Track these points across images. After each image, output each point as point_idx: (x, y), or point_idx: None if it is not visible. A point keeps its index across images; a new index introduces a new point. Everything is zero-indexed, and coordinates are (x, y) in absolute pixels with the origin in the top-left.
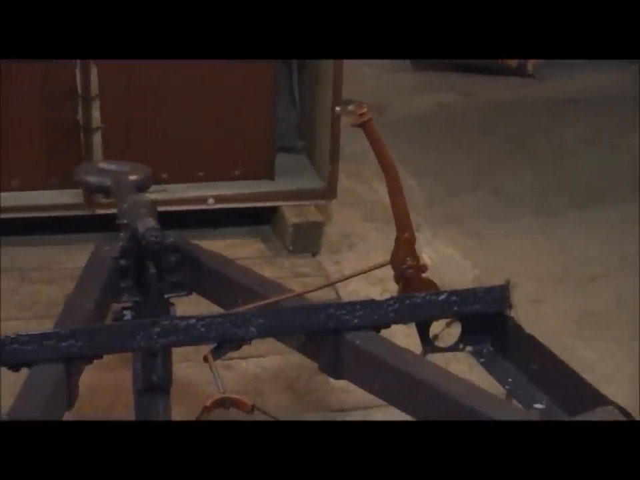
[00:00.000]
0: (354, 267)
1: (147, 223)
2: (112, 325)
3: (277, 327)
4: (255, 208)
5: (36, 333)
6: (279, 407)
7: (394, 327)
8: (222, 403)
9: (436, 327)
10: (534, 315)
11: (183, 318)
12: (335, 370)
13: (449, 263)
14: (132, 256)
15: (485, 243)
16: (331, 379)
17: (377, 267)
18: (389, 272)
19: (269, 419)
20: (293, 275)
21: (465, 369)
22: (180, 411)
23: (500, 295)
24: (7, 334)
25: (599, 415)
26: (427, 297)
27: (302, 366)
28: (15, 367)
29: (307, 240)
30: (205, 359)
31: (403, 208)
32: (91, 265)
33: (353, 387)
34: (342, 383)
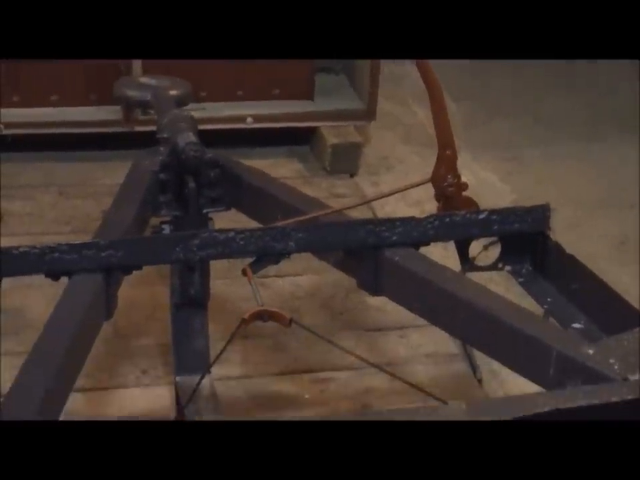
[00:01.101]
0: (392, 188)
1: (187, 137)
2: (151, 237)
3: (316, 242)
4: (293, 128)
5: (75, 242)
6: (314, 325)
7: (431, 249)
8: (260, 315)
9: (474, 250)
10: (572, 239)
11: (222, 231)
12: (373, 286)
13: (487, 186)
14: (171, 170)
15: (524, 168)
16: (367, 298)
17: (417, 185)
18: (427, 194)
19: (306, 332)
20: (330, 196)
21: (501, 291)
22: (217, 328)
23: (541, 215)
24: (46, 243)
25: (638, 334)
26: (467, 215)
27: (338, 284)
28: (55, 276)
29: (345, 161)
30: (244, 273)
31: (445, 125)
32: (131, 179)
33: (389, 306)
34: (378, 302)
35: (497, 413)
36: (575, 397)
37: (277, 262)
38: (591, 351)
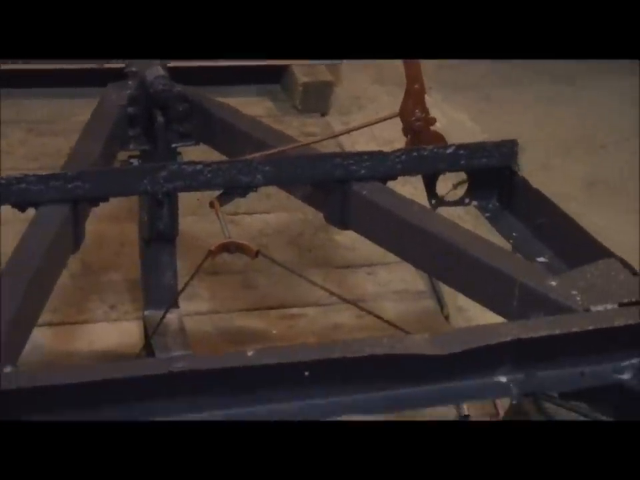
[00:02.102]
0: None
1: (156, 71)
2: (118, 168)
3: (283, 176)
4: (264, 66)
5: (42, 174)
6: (283, 261)
7: (401, 189)
8: (227, 247)
9: (443, 190)
10: (542, 180)
11: (189, 163)
12: (341, 220)
13: (458, 126)
14: (140, 104)
15: (496, 108)
16: (336, 236)
17: (385, 119)
18: (398, 133)
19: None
20: (301, 134)
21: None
22: (186, 264)
23: (508, 150)
24: (13, 174)
25: (601, 265)
26: (435, 150)
27: (306, 222)
28: (21, 207)
29: (316, 99)
30: (212, 205)
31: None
32: (98, 112)
33: (357, 244)
34: (346, 240)
35: (460, 343)
36: (537, 328)
37: (244, 195)
38: (553, 283)
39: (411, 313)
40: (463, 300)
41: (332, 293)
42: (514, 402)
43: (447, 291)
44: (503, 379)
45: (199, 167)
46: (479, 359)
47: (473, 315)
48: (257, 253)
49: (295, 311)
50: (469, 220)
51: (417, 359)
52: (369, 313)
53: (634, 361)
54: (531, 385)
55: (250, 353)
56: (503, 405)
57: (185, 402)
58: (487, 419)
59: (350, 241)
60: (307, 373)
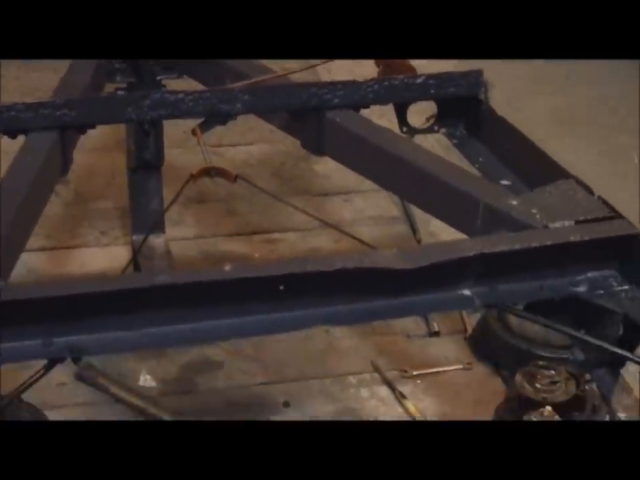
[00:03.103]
0: (341, 62)
1: None
2: (104, 96)
3: (261, 104)
4: None
5: (32, 102)
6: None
7: (375, 118)
8: (207, 171)
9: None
10: (508, 112)
11: (172, 92)
12: (316, 147)
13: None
14: None
15: None
16: (315, 166)
17: None
18: (374, 70)
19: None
20: (280, 70)
21: None
22: (172, 193)
23: (475, 80)
24: (3, 103)
25: (560, 186)
26: (405, 80)
27: (288, 154)
28: (11, 134)
29: None
30: (193, 132)
31: None
32: None
33: (334, 173)
34: (324, 169)
35: (426, 258)
36: (499, 243)
37: (224, 123)
38: (515, 203)
39: (385, 237)
40: (434, 225)
41: (313, 217)
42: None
43: (419, 217)
44: (467, 292)
45: (180, 95)
46: (445, 272)
47: (444, 239)
48: (236, 177)
49: (276, 235)
50: (440, 151)
51: (386, 272)
52: (348, 235)
53: (589, 274)
54: (493, 298)
55: (227, 268)
56: (470, 322)
57: (166, 314)
58: (456, 335)
59: (328, 170)
60: (282, 287)
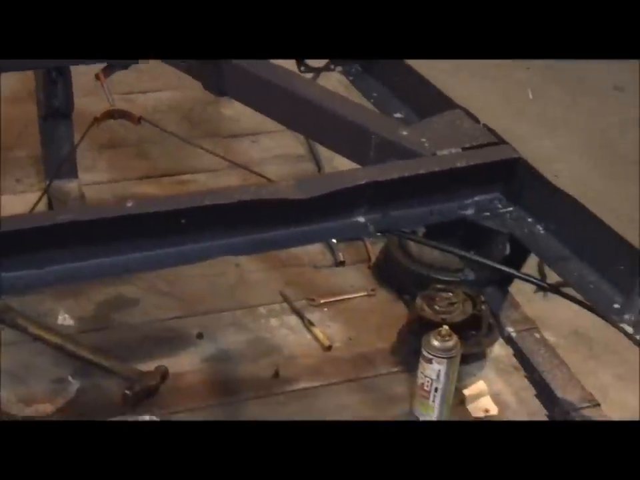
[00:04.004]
0: None
1: None
2: None
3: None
4: None
5: None
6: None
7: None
8: (111, 114)
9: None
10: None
11: None
12: (217, 88)
13: None
14: None
15: None
16: (223, 110)
17: None
18: None
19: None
20: None
21: None
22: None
23: None
24: None
25: (447, 116)
26: None
27: (197, 99)
28: None
29: None
30: (97, 77)
31: None
32: None
33: (242, 116)
34: (232, 112)
35: (321, 187)
36: (390, 171)
37: (126, 67)
38: (405, 133)
39: (291, 175)
40: (338, 162)
41: (221, 158)
42: (371, 239)
43: (324, 154)
44: (361, 219)
45: None
46: (339, 201)
47: None
48: (139, 119)
49: (186, 177)
50: (342, 90)
51: (283, 203)
52: (256, 173)
53: (476, 198)
54: (386, 224)
55: (129, 204)
56: (374, 251)
57: (71, 252)
58: (360, 264)
59: (235, 113)
60: (183, 221)
